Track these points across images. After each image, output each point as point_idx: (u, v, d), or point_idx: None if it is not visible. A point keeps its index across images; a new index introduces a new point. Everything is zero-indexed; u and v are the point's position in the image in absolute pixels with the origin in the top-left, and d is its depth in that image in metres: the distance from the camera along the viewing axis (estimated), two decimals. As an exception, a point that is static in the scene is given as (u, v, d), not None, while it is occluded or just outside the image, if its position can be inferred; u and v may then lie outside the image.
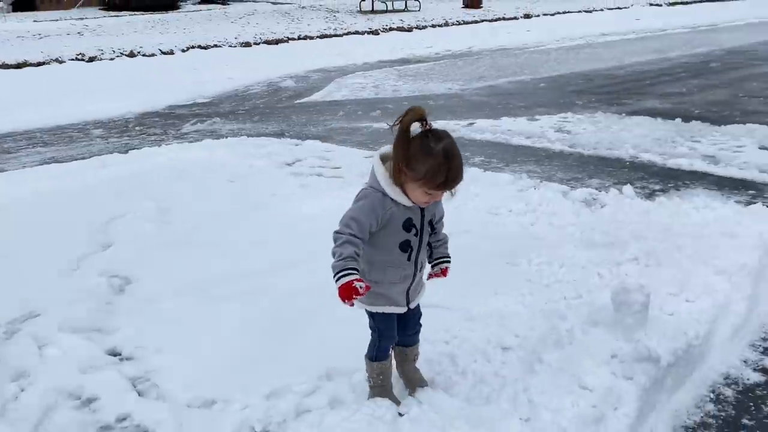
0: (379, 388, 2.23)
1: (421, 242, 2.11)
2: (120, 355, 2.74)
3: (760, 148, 5.52)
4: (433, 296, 3.02)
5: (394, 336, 2.21)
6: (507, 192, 4.52)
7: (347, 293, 1.91)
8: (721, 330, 2.59)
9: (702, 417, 2.22)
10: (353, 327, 2.54)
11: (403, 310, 2.17)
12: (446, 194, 2.02)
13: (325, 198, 4.63)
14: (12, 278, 3.54)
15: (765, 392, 2.35)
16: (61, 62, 14.15)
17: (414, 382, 2.31)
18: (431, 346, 2.53)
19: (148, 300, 3.19)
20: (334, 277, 1.95)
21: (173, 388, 2.44)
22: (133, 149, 6.61)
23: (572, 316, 2.55)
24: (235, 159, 5.96)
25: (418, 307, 2.27)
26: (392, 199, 1.99)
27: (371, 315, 2.19)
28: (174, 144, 6.88)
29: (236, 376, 2.48)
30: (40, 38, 17.80)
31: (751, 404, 2.28)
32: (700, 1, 30.67)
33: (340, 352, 2.54)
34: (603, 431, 1.96)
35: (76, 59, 14.46)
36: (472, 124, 7.20)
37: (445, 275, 2.25)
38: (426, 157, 1.89)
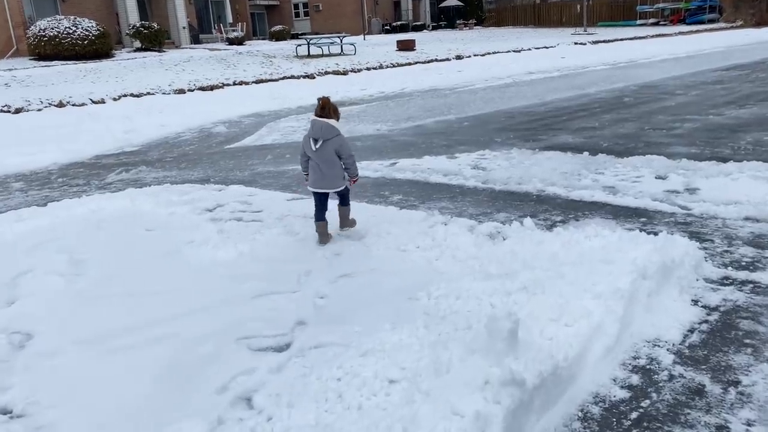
0: None
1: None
2: (11, 413, 2.70)
3: (656, 178, 5.87)
4: (332, 335, 3.14)
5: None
6: (418, 228, 4.69)
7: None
8: (594, 351, 2.77)
9: (567, 435, 2.37)
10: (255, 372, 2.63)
11: None
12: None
13: (241, 242, 4.70)
14: None
15: (628, 407, 2.52)
16: (-16, 114, 13.84)
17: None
18: (322, 384, 2.61)
19: (46, 355, 3.16)
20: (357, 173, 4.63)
21: (62, 442, 2.44)
22: (53, 201, 6.52)
23: (453, 345, 2.68)
24: (157, 207, 5.96)
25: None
26: None
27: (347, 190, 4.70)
28: (95, 194, 6.82)
29: (129, 426, 2.50)
30: (-36, 91, 17.36)
31: (614, 420, 2.44)
32: (621, 40, 32.51)
33: (229, 397, 2.60)
34: (469, 454, 2.09)
35: (2, 111, 14.15)
36: (394, 163, 7.42)
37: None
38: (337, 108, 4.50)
